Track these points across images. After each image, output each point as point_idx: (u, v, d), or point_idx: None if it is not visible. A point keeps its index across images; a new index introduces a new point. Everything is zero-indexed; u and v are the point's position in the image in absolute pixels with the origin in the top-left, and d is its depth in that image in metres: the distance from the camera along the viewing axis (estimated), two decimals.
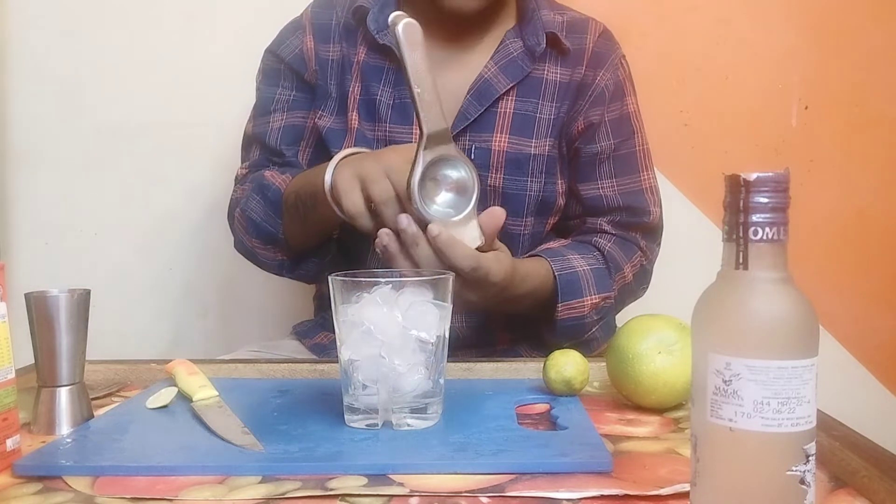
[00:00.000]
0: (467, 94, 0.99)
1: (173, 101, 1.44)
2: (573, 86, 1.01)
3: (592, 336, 0.96)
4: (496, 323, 1.01)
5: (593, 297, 0.94)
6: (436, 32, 1.00)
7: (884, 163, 1.48)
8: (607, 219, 1.02)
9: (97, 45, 1.46)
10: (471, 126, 0.98)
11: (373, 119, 0.99)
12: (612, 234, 1.02)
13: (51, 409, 0.62)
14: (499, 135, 0.99)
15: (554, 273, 0.91)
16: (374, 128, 0.99)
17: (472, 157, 0.98)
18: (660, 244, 1.07)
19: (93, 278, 1.47)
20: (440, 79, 1.02)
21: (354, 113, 0.99)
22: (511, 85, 0.99)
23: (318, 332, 1.08)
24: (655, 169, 1.08)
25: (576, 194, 1.03)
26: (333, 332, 1.04)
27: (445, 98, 1.00)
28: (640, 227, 1.03)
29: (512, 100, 1.00)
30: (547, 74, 1.01)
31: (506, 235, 1.00)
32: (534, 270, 0.89)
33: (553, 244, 0.99)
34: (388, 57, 0.98)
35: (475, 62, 1.00)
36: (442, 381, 0.62)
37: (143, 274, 1.51)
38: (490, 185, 0.99)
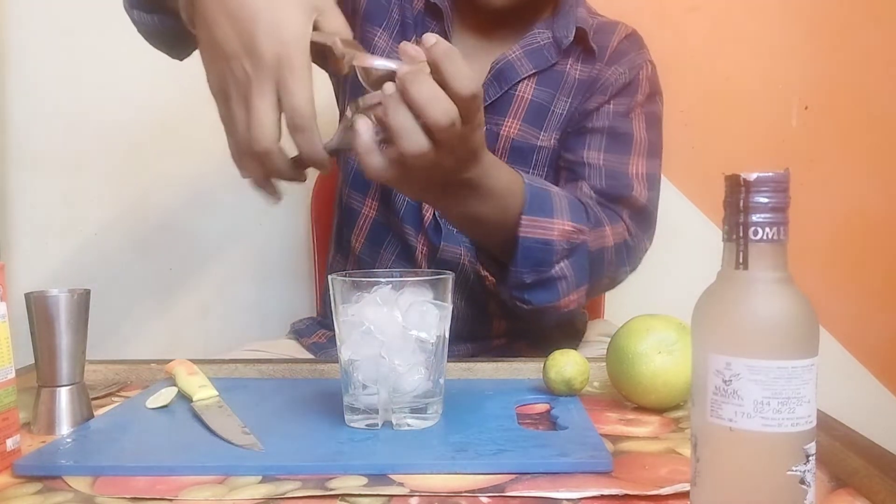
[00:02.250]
0: (488, 73, 0.98)
1: (173, 101, 1.44)
2: (588, 81, 1.00)
3: (561, 274, 0.83)
4: (493, 307, 1.00)
5: (565, 223, 0.81)
6: (468, 22, 1.01)
7: (884, 163, 1.48)
8: (589, 183, 0.94)
9: (97, 45, 1.46)
10: (487, 107, 0.95)
11: None
12: (596, 199, 0.93)
13: (51, 409, 0.62)
14: (511, 119, 0.98)
15: (524, 182, 0.79)
16: None
17: None
18: (650, 236, 0.98)
19: (93, 278, 1.47)
20: (473, 56, 0.97)
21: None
22: (533, 71, 0.98)
23: (315, 330, 1.08)
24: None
25: (560, 164, 0.99)
26: (331, 331, 1.04)
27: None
28: (625, 203, 0.93)
29: (531, 86, 0.99)
30: (569, 69, 1.00)
31: None
32: (505, 168, 0.77)
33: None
34: (435, 18, 1.00)
35: (503, 50, 1.00)
36: (442, 381, 0.62)
37: (143, 274, 1.52)
38: None
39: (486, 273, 0.92)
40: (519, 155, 0.98)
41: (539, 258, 0.81)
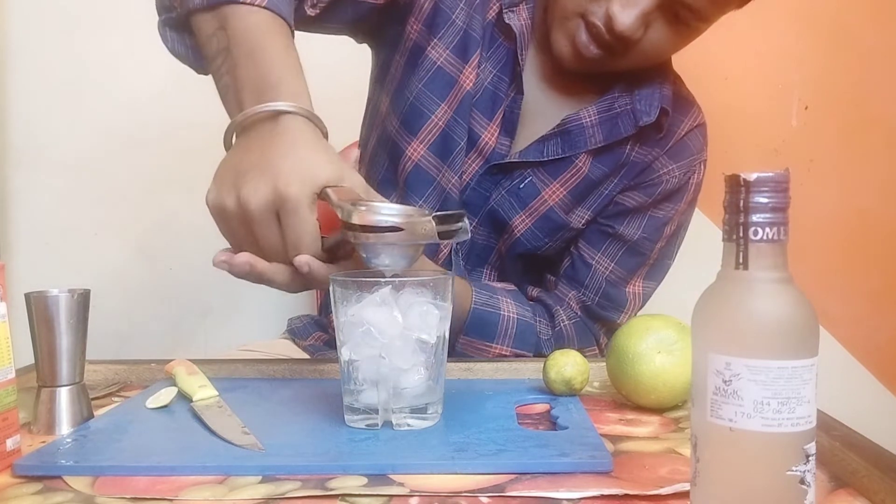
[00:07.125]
0: (557, 126, 0.91)
1: (173, 101, 1.44)
2: (640, 167, 0.94)
3: None
4: None
5: (504, 348, 0.87)
6: (545, 55, 0.93)
7: (884, 163, 1.49)
8: (577, 295, 0.95)
9: (97, 45, 1.46)
10: (540, 161, 0.91)
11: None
12: (577, 314, 0.95)
13: (51, 409, 0.62)
14: (558, 185, 0.91)
15: (472, 304, 0.85)
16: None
17: (520, 186, 0.91)
18: None
19: (93, 278, 1.47)
20: (539, 90, 0.91)
21: (472, 70, 0.88)
22: (601, 145, 0.91)
23: (312, 331, 1.07)
24: None
25: (571, 249, 0.97)
26: (328, 332, 1.04)
27: (532, 100, 0.90)
28: (605, 323, 0.96)
29: (590, 159, 0.92)
30: (629, 150, 0.93)
31: (478, 255, 0.95)
32: (459, 284, 0.80)
33: (498, 284, 0.93)
34: (504, 35, 0.91)
35: (577, 102, 0.93)
36: (442, 381, 0.62)
37: (143, 274, 1.52)
38: (511, 223, 0.93)
39: None
40: (548, 227, 0.93)
41: (474, 356, 0.87)
